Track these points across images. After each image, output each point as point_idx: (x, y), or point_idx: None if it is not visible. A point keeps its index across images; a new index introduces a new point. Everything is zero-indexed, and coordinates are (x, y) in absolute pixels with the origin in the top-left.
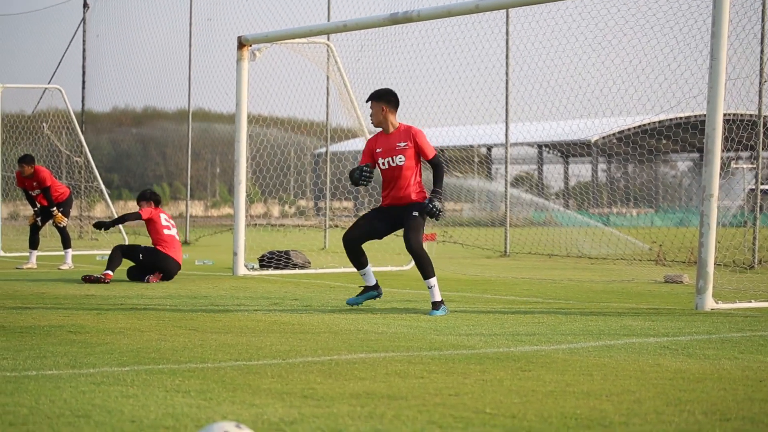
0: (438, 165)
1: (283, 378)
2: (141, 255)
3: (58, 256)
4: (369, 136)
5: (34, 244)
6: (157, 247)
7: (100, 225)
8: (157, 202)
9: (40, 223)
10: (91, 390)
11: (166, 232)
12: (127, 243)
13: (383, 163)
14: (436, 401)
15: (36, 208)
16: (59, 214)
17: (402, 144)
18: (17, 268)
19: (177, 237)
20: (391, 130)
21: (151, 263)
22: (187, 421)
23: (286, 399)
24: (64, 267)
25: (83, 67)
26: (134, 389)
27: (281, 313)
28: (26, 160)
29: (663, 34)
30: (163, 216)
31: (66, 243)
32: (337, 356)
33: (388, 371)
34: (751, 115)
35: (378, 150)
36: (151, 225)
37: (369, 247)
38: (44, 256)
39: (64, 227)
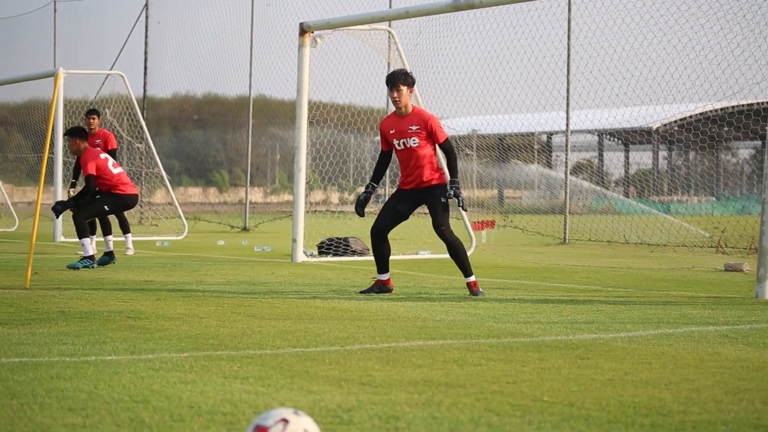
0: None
1: (341, 365)
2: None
3: (119, 241)
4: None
5: (94, 230)
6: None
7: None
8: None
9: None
10: (149, 375)
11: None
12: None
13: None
14: (493, 389)
15: (75, 180)
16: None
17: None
18: (78, 254)
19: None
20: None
21: (118, 209)
22: (245, 408)
23: (343, 386)
24: (130, 252)
25: (145, 53)
26: (193, 375)
27: (339, 300)
28: (95, 112)
29: (726, 20)
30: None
31: (125, 228)
32: (395, 343)
33: (445, 358)
34: None
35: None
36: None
37: (428, 234)
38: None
39: (124, 214)
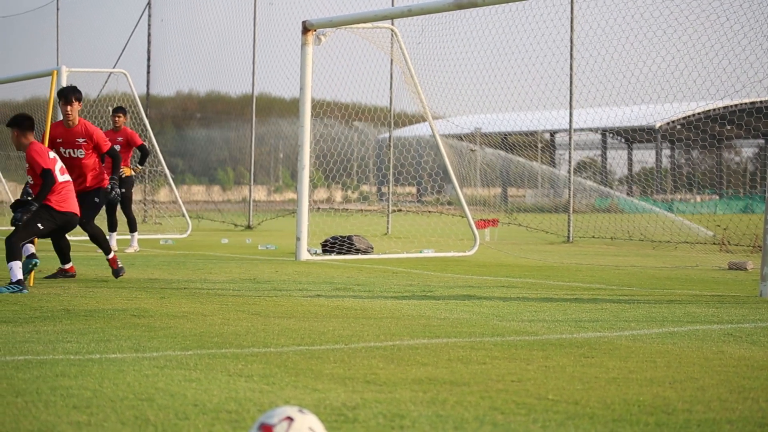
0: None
1: (346, 363)
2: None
3: (124, 239)
4: (432, 120)
5: (112, 226)
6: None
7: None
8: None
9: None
10: (154, 373)
11: (61, 178)
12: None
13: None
14: (498, 387)
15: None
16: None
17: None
18: (97, 252)
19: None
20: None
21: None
22: (249, 406)
23: (348, 384)
24: (130, 250)
25: (148, 51)
26: (197, 373)
27: (344, 298)
28: (122, 109)
29: (728, 18)
30: (51, 154)
31: (132, 227)
32: (399, 342)
33: (450, 357)
34: None
35: (59, 140)
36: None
37: (432, 232)
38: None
39: (130, 211)
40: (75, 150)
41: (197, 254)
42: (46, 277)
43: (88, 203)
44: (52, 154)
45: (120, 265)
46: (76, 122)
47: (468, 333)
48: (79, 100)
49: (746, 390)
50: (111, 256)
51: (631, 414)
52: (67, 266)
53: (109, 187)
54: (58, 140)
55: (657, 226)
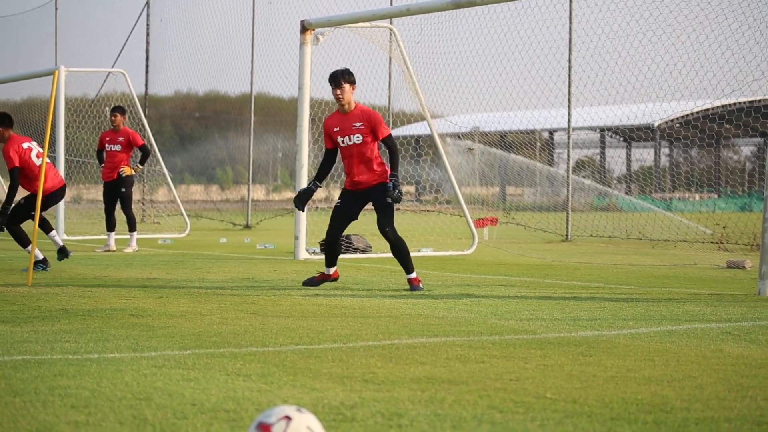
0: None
1: (344, 362)
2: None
3: (123, 239)
4: (431, 119)
5: (111, 225)
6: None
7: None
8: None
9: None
10: (152, 373)
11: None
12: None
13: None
14: (496, 386)
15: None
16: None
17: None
18: (96, 251)
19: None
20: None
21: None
22: (247, 405)
23: (346, 383)
24: (129, 250)
25: (147, 51)
26: (195, 372)
27: (342, 297)
28: (120, 109)
29: (726, 17)
30: (25, 145)
31: (131, 226)
32: (397, 341)
33: (448, 356)
34: None
35: (335, 129)
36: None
37: (431, 231)
38: (103, 240)
39: (130, 211)
40: (352, 136)
41: (196, 253)
42: (307, 285)
43: (379, 203)
44: (26, 144)
45: (421, 286)
46: (352, 106)
47: (466, 332)
48: (351, 82)
49: (744, 388)
50: (412, 276)
51: (630, 412)
52: (331, 271)
53: (390, 184)
54: (335, 129)
55: (655, 224)
